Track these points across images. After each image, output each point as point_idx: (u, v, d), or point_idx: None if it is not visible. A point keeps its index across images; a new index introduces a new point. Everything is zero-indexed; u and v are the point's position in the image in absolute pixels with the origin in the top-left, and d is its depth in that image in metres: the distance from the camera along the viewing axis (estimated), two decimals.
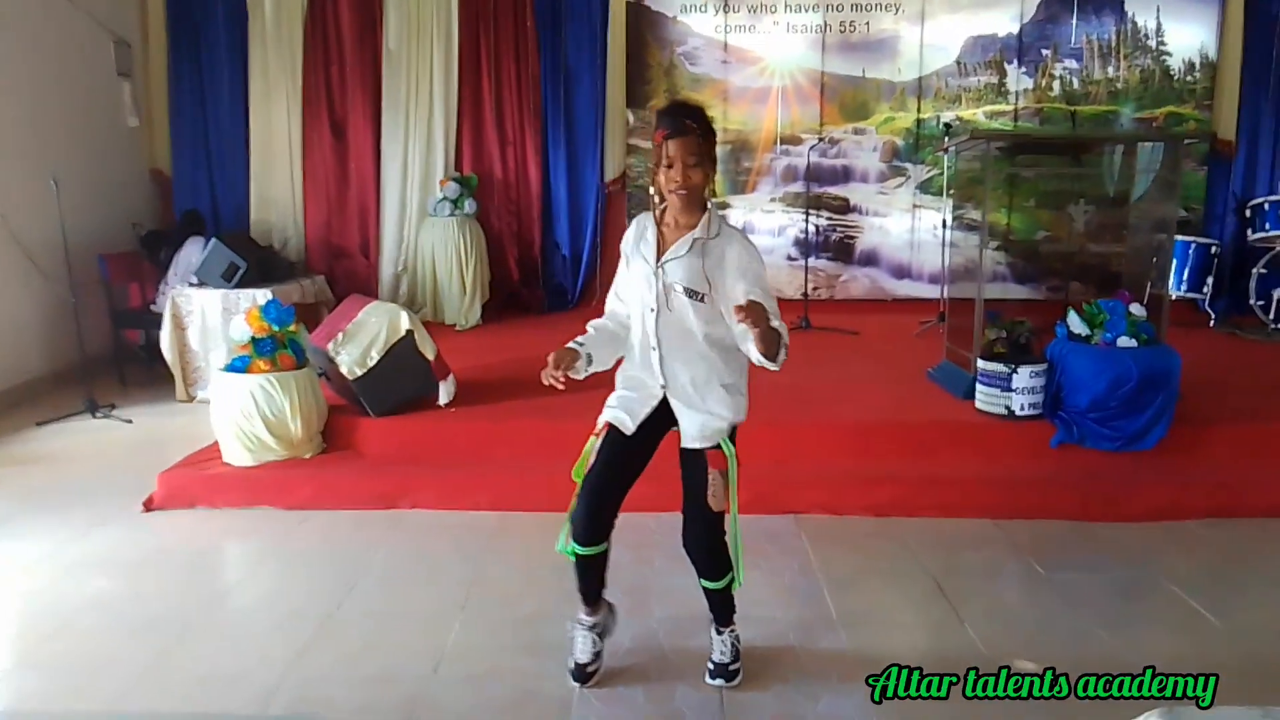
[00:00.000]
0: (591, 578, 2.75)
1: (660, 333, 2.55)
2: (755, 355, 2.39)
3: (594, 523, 2.64)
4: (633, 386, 2.64)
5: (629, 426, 2.60)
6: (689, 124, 2.46)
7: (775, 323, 2.34)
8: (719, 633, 2.79)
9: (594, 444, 2.66)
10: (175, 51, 7.67)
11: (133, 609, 3.28)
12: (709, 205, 2.57)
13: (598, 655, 2.79)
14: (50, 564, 3.66)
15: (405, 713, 2.61)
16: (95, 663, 2.90)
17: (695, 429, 2.57)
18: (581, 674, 2.76)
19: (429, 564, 3.67)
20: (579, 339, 2.59)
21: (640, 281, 2.58)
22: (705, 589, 2.74)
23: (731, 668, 2.76)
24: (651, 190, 2.57)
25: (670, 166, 2.46)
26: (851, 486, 4.18)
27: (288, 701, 2.67)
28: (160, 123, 7.77)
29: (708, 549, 2.65)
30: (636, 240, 2.62)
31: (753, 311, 2.22)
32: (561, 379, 2.43)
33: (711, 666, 2.78)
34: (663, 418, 2.62)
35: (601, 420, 2.66)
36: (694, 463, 2.59)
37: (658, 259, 2.55)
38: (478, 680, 2.79)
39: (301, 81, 7.72)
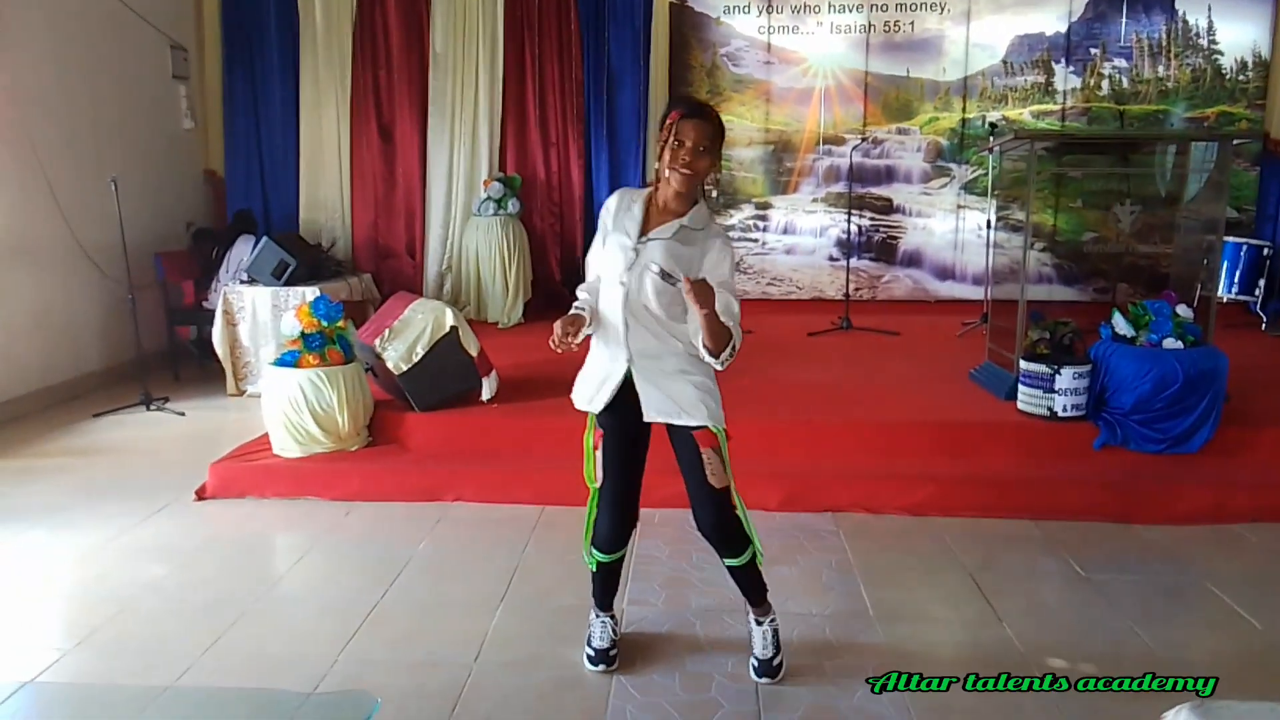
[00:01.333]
0: (611, 583, 2.88)
1: (627, 308, 2.56)
2: (698, 343, 2.50)
3: (619, 530, 2.75)
4: (597, 368, 2.67)
5: (599, 406, 2.64)
6: (709, 110, 2.52)
7: (726, 319, 2.44)
8: (759, 623, 2.81)
9: (596, 455, 2.72)
10: (229, 57, 7.87)
11: (188, 594, 3.40)
12: (701, 198, 2.60)
13: (615, 643, 2.87)
14: (108, 550, 3.79)
15: (449, 696, 2.68)
16: (153, 644, 3.02)
17: (656, 403, 2.59)
18: (604, 658, 2.83)
19: (472, 555, 3.74)
20: (579, 304, 2.64)
21: (617, 253, 2.58)
22: (730, 569, 2.77)
23: (775, 662, 2.79)
24: (656, 168, 2.58)
25: (680, 145, 2.48)
26: (890, 485, 4.19)
27: (337, 683, 2.75)
28: (214, 125, 7.98)
29: (720, 525, 2.68)
30: (619, 212, 2.62)
31: (699, 289, 2.34)
32: (574, 345, 2.49)
33: (756, 664, 2.79)
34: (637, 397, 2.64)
35: (573, 400, 2.74)
36: (684, 445, 2.63)
37: (640, 235, 2.57)
38: (519, 667, 2.86)
39: (350, 85, 7.87)
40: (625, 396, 2.61)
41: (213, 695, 2.32)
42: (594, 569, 2.84)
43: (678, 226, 2.55)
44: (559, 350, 2.49)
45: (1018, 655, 2.91)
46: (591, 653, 2.85)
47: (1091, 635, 3.05)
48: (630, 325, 2.57)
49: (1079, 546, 3.74)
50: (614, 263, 2.58)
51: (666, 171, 2.52)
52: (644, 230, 2.57)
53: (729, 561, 2.75)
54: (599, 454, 2.71)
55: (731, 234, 8.17)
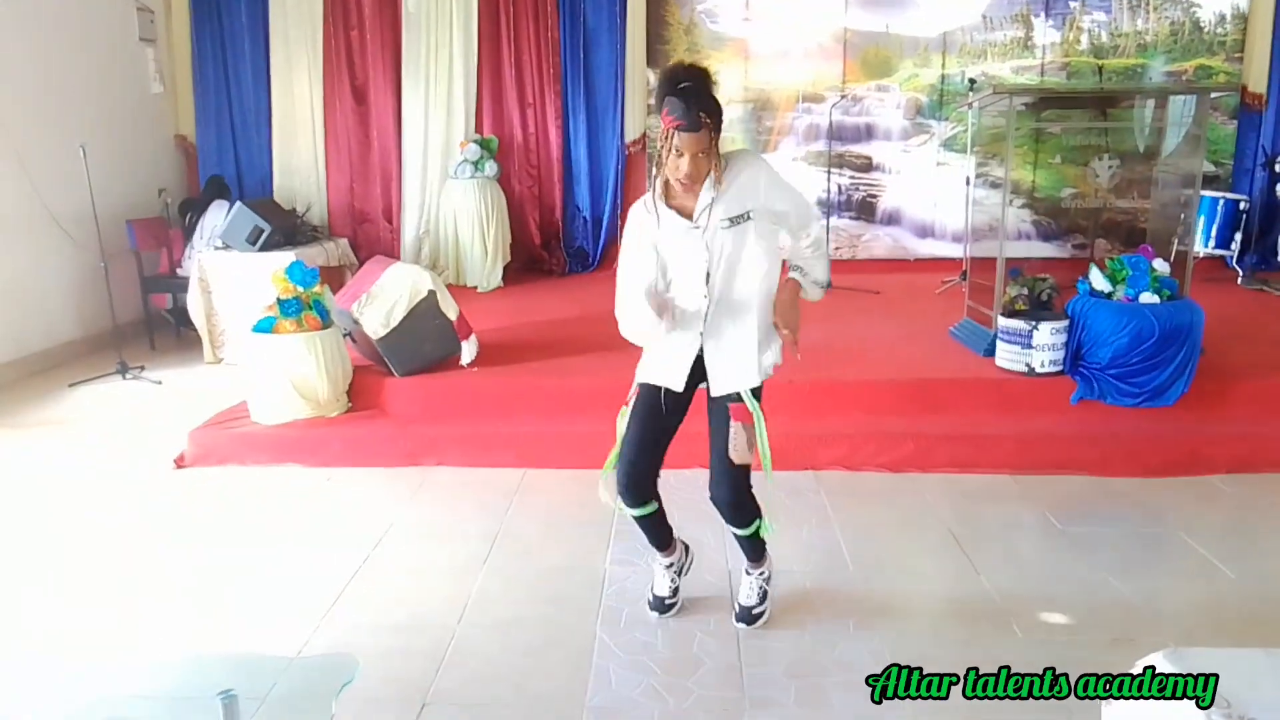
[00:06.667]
0: (654, 530, 2.86)
1: (715, 287, 2.55)
2: (808, 285, 2.64)
3: (636, 482, 2.71)
4: (670, 348, 2.64)
5: (678, 384, 2.63)
6: (703, 119, 2.39)
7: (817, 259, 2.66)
8: (749, 573, 2.91)
9: (624, 412, 2.70)
10: (197, 18, 7.69)
11: (168, 561, 3.39)
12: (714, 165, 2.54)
13: (675, 591, 2.94)
14: (87, 521, 3.77)
15: (433, 658, 2.70)
16: (134, 613, 3.01)
17: (723, 375, 2.60)
18: (660, 605, 2.93)
19: (453, 519, 3.75)
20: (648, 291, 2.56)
21: (682, 248, 2.55)
22: (735, 535, 2.84)
23: (755, 611, 2.87)
24: (656, 170, 2.53)
25: (680, 155, 2.43)
26: (871, 443, 4.22)
27: (320, 647, 2.76)
28: (184, 89, 7.81)
29: (730, 502, 2.70)
30: (649, 220, 2.56)
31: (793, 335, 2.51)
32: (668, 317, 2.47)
33: (737, 609, 2.90)
34: (696, 373, 2.65)
35: (639, 380, 2.70)
36: (718, 416, 2.63)
37: (691, 221, 2.53)
38: (503, 628, 2.87)
39: (322, 46, 7.72)
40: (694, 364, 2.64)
41: (194, 661, 2.32)
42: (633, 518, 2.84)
43: (709, 190, 2.51)
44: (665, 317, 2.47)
45: (995, 607, 2.95)
46: (651, 599, 2.95)
47: (1067, 587, 3.09)
48: (714, 304, 2.57)
49: (1056, 500, 3.79)
50: (685, 258, 2.56)
51: (670, 177, 2.49)
52: (688, 215, 2.54)
53: (735, 531, 2.81)
54: (629, 408, 2.70)
55: None
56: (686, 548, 3.05)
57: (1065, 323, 4.50)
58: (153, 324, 6.76)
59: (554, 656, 2.72)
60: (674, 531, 2.92)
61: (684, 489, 3.72)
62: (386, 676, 2.60)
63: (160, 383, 5.69)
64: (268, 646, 2.77)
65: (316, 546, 3.55)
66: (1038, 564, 3.30)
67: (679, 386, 2.63)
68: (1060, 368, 4.51)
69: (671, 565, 2.94)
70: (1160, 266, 4.47)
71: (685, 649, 2.74)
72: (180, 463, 4.35)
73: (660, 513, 2.82)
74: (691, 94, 2.40)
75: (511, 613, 2.97)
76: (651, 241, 2.59)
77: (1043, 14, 7.77)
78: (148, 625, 2.92)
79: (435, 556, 3.39)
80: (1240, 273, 7.04)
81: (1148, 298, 4.40)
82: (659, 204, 2.56)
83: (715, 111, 2.44)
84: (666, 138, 2.44)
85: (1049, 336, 4.47)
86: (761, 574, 2.90)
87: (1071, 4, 7.75)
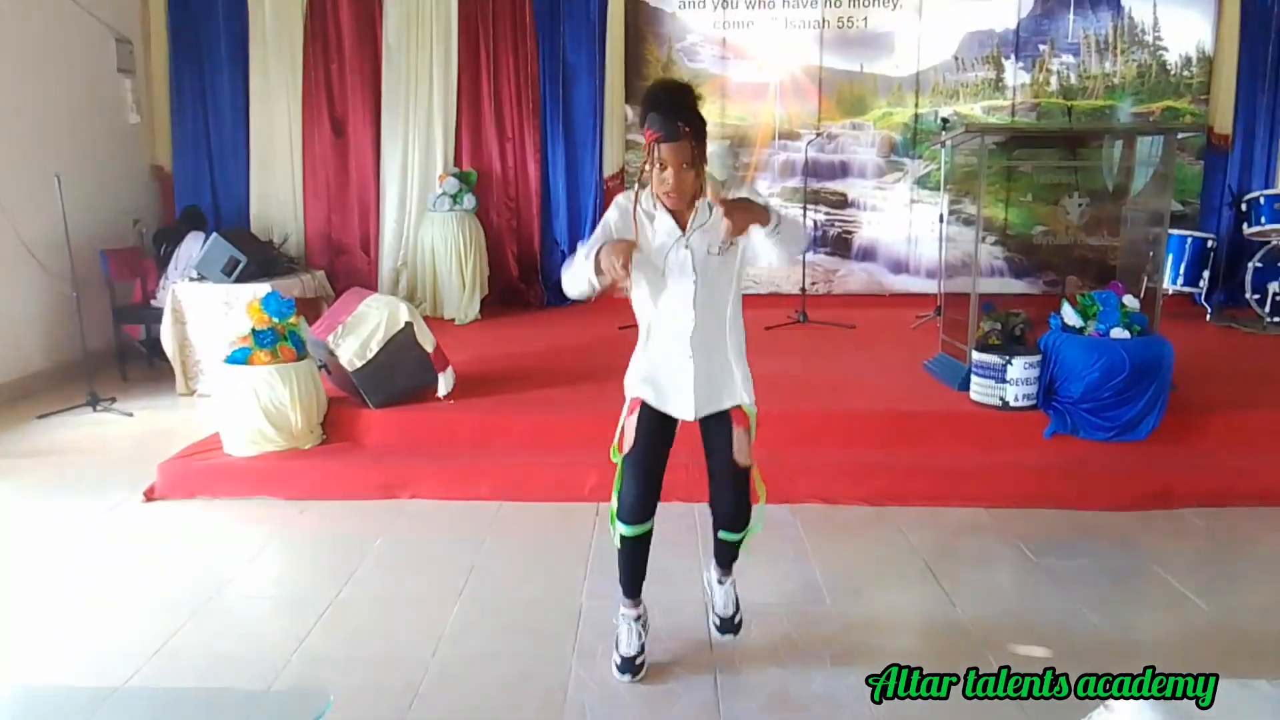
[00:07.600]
0: (638, 563, 2.74)
1: (698, 305, 2.54)
2: (764, 247, 2.49)
3: (644, 499, 2.64)
4: (662, 371, 2.63)
5: (689, 414, 2.62)
6: (682, 128, 2.40)
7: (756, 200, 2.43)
8: (721, 583, 2.89)
9: (628, 422, 2.66)
10: (176, 49, 7.70)
11: (137, 595, 3.32)
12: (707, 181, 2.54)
13: (643, 648, 2.78)
14: (54, 554, 3.70)
15: (407, 692, 2.66)
16: (103, 645, 2.95)
17: (706, 399, 2.61)
18: (630, 666, 2.74)
19: (428, 552, 3.71)
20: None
21: (671, 262, 2.53)
22: (722, 541, 2.79)
23: (737, 620, 2.88)
24: (642, 182, 2.56)
25: (663, 169, 2.43)
26: (847, 476, 4.22)
27: (291, 681, 2.71)
28: (161, 120, 7.80)
29: (737, 505, 2.70)
30: (642, 217, 2.54)
31: (732, 213, 2.34)
32: (622, 269, 2.34)
33: (719, 621, 2.90)
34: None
35: (631, 396, 2.67)
36: (718, 427, 2.64)
37: (683, 234, 2.53)
38: (478, 662, 2.84)
39: (301, 78, 7.76)
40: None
41: (164, 695, 2.28)
42: (619, 546, 2.72)
43: (708, 206, 2.51)
44: (616, 276, 2.35)
45: (971, 640, 2.95)
46: (619, 660, 2.76)
47: (1042, 618, 3.10)
48: (698, 321, 2.56)
49: (1030, 533, 3.81)
50: (671, 265, 2.54)
51: (658, 191, 2.49)
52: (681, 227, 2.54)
53: (726, 536, 2.77)
54: (633, 419, 2.64)
55: None
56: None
57: (1038, 357, 4.55)
58: (125, 355, 6.68)
59: (529, 691, 2.69)
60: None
61: (660, 518, 3.71)
62: (359, 711, 2.56)
63: (131, 414, 5.62)
64: (236, 681, 2.72)
65: (287, 579, 3.51)
66: (1012, 597, 3.31)
67: (691, 416, 2.63)
68: (1033, 402, 4.56)
69: (640, 619, 2.80)
70: (1130, 302, 4.54)
71: (661, 684, 2.72)
72: (150, 495, 4.28)
73: (650, 537, 2.72)
74: (671, 107, 2.42)
75: (486, 647, 2.94)
76: (626, 229, 2.55)
77: (1013, 56, 7.95)
78: (113, 659, 2.85)
79: (409, 589, 3.36)
80: (1209, 310, 7.16)
81: (1118, 333, 4.46)
82: (656, 205, 2.55)
83: (695, 122, 2.45)
84: (649, 153, 2.45)
85: (1022, 371, 4.51)
86: (733, 581, 2.89)
87: (1041, 47, 7.93)
